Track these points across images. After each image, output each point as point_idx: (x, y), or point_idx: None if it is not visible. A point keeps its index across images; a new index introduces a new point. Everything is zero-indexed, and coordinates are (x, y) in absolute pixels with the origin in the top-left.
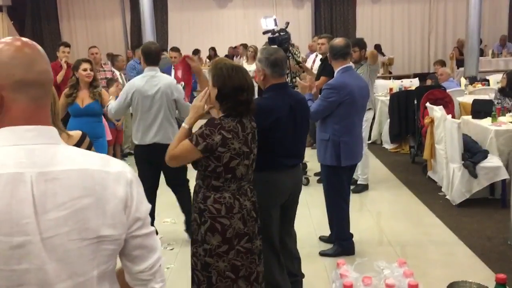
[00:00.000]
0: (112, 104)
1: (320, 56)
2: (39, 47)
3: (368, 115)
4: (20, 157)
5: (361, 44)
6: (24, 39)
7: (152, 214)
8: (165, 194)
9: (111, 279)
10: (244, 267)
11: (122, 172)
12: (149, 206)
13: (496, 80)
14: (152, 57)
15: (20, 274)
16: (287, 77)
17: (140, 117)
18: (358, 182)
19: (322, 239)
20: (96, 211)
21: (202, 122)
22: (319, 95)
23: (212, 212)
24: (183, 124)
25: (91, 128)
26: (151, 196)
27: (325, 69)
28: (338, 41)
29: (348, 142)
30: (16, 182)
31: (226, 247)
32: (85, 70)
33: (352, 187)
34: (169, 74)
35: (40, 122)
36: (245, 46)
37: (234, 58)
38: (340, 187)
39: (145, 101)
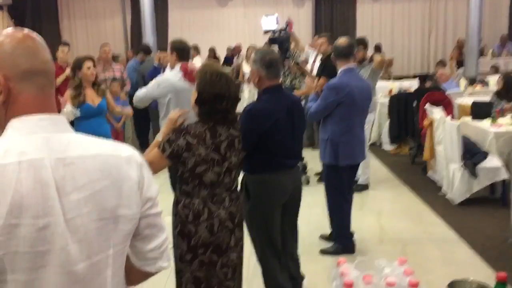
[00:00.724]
0: (141, 90)
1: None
2: (40, 38)
3: (369, 117)
4: (37, 145)
5: (364, 44)
6: (25, 30)
7: None
8: (165, 194)
9: (123, 262)
10: (206, 281)
11: (133, 156)
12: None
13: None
14: (186, 53)
15: (44, 255)
16: (287, 78)
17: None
18: (359, 183)
19: (323, 237)
20: (113, 192)
21: None
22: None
23: (182, 217)
24: (156, 136)
25: (103, 129)
26: None
27: (324, 70)
28: (342, 41)
29: (347, 142)
30: (38, 167)
31: (190, 255)
32: (89, 68)
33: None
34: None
35: (49, 110)
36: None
37: (234, 58)
38: (339, 186)
39: (179, 97)
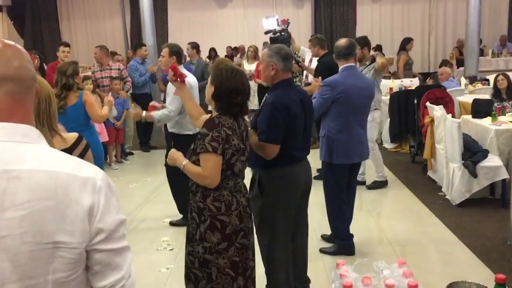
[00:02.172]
0: (164, 113)
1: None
2: (20, 47)
3: (374, 115)
4: None
5: (363, 43)
6: (5, 42)
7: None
8: (165, 194)
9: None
10: (241, 263)
11: (92, 178)
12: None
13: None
14: (182, 57)
15: None
16: None
17: None
18: (375, 179)
19: (324, 237)
20: (54, 215)
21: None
22: None
23: (212, 210)
24: (170, 156)
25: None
26: None
27: (316, 70)
28: (342, 41)
29: (342, 140)
30: None
31: (226, 244)
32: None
33: (367, 184)
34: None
35: (15, 117)
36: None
37: (234, 58)
38: (335, 185)
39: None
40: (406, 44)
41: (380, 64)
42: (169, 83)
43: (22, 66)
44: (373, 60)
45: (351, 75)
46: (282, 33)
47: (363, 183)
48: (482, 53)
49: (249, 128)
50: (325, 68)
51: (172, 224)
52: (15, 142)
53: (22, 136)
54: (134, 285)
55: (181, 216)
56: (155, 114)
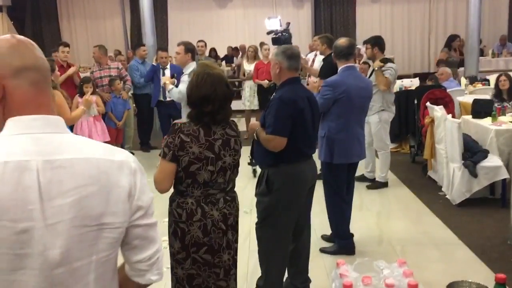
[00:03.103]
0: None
1: (319, 56)
2: (34, 43)
3: (381, 116)
4: (27, 145)
5: (374, 42)
6: (19, 36)
7: None
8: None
9: (110, 268)
10: (201, 278)
11: (126, 161)
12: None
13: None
14: (195, 54)
15: (22, 258)
16: None
17: None
18: (377, 179)
19: (324, 237)
20: (99, 199)
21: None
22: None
23: (175, 216)
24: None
25: None
26: None
27: (321, 70)
28: (342, 41)
29: (343, 140)
30: (22, 170)
31: (184, 254)
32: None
33: (367, 183)
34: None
35: (42, 106)
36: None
37: (234, 58)
38: (335, 184)
39: None
40: (451, 41)
41: (383, 84)
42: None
43: (39, 57)
44: (387, 60)
45: (351, 75)
46: (284, 34)
47: (372, 180)
48: (482, 53)
49: (258, 127)
50: (330, 68)
51: None
52: (49, 133)
53: (55, 126)
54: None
55: None
56: (174, 88)
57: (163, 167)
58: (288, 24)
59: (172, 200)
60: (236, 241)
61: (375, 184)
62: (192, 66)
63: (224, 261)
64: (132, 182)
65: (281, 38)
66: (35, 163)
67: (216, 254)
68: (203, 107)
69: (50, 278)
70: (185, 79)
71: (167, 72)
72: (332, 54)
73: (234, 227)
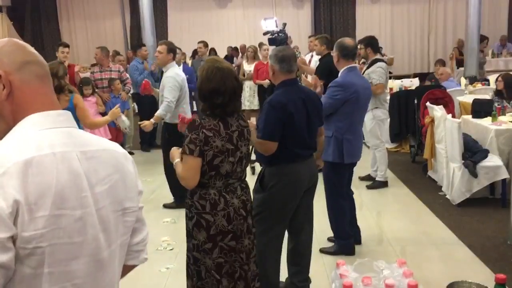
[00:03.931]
0: (165, 107)
1: (315, 56)
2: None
3: (374, 113)
4: (63, 138)
5: (367, 42)
6: (16, 39)
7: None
8: (165, 193)
9: (124, 253)
10: (228, 264)
11: (126, 152)
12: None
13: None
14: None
15: (78, 246)
16: None
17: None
18: (376, 179)
19: (331, 239)
20: (122, 185)
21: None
22: (324, 93)
23: (198, 208)
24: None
25: None
26: None
27: (317, 69)
28: (349, 41)
29: (350, 140)
30: (70, 159)
31: (211, 244)
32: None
33: (368, 183)
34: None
35: (55, 102)
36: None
37: (234, 58)
38: (339, 185)
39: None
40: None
41: (378, 90)
42: (163, 78)
43: (38, 54)
44: (376, 60)
45: (356, 76)
46: (280, 34)
47: (375, 179)
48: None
49: (250, 128)
50: (327, 68)
51: (164, 206)
52: (73, 127)
53: (73, 122)
54: None
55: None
56: (158, 111)
57: (191, 163)
58: (284, 24)
59: (193, 192)
60: (254, 226)
61: (374, 184)
62: (172, 67)
63: (245, 245)
64: (134, 169)
65: (277, 39)
66: (75, 154)
67: (239, 239)
68: (214, 100)
69: (97, 262)
70: (169, 83)
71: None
72: (335, 54)
73: (251, 213)
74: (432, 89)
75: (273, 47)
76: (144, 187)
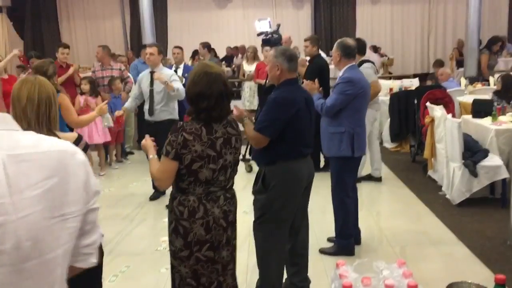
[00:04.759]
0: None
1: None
2: None
3: (373, 114)
4: None
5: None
6: None
7: None
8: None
9: (69, 258)
10: (205, 276)
11: (75, 150)
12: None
13: (495, 81)
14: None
15: None
16: None
17: None
18: (373, 175)
19: (330, 240)
20: (61, 190)
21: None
22: (333, 90)
23: (176, 213)
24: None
25: None
26: None
27: (308, 71)
28: (350, 40)
29: (360, 133)
30: None
31: (188, 252)
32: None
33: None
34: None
35: None
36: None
37: (234, 58)
38: (349, 180)
39: None
40: (492, 44)
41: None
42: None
43: None
44: (362, 62)
45: (359, 72)
46: (274, 35)
47: (378, 179)
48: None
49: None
50: (317, 70)
51: (150, 199)
52: (7, 130)
53: (11, 124)
54: None
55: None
56: (175, 84)
57: (166, 165)
58: (278, 25)
59: (173, 197)
60: (235, 238)
61: (366, 177)
62: (162, 68)
63: (223, 257)
64: (86, 170)
65: (272, 39)
66: (0, 157)
67: (216, 250)
68: (199, 103)
69: (22, 271)
70: (173, 76)
71: (180, 71)
72: (336, 53)
73: (233, 224)
74: (432, 90)
75: (268, 47)
76: (144, 186)
